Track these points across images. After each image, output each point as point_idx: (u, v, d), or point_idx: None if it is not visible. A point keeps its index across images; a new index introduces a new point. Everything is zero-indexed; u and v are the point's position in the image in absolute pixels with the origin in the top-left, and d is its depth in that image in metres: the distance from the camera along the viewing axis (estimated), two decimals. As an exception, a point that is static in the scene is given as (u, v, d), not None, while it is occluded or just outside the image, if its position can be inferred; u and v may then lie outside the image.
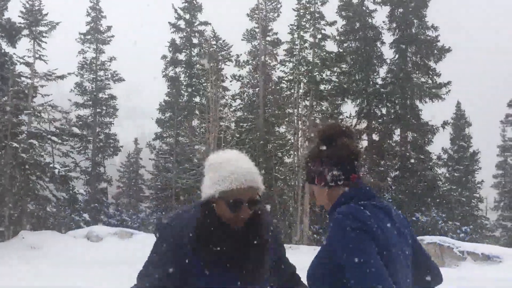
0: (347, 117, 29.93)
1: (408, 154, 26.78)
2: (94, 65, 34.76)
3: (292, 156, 29.76)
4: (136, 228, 28.55)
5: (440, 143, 32.45)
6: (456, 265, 17.58)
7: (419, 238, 15.04)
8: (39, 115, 25.50)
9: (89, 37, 34.49)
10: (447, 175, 33.62)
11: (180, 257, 1.66)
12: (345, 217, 1.41)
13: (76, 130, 27.58)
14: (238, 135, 29.83)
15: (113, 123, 35.86)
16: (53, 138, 24.13)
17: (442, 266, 17.60)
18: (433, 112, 29.00)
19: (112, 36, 35.20)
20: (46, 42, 28.32)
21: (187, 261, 1.65)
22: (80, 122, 32.97)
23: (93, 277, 9.21)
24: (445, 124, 28.89)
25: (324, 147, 1.62)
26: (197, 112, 31.62)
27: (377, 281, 1.29)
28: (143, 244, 17.03)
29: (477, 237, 31.33)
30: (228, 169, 1.67)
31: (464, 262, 17.55)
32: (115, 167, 40.83)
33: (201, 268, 1.65)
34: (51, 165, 22.39)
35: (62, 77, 28.17)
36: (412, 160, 26.75)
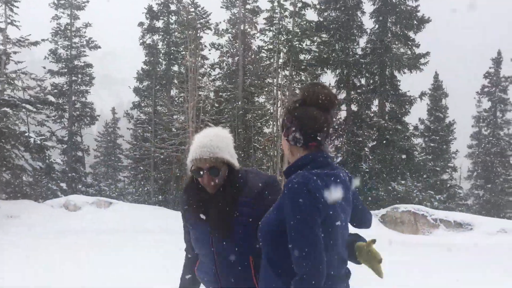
0: (326, 87, 29.94)
1: (385, 124, 27.05)
2: (68, 31, 33.66)
3: (271, 126, 29.79)
4: (115, 197, 28.43)
5: (417, 114, 32.86)
6: (429, 232, 18.12)
7: (394, 206, 15.40)
8: (12, 82, 24.81)
9: (63, 1, 33.28)
10: (423, 145, 34.24)
11: (182, 215, 2.19)
12: (299, 188, 1.56)
13: (51, 98, 26.94)
14: (217, 105, 29.64)
15: (90, 92, 35.10)
16: (28, 106, 23.50)
17: (416, 233, 18.17)
18: (411, 82, 29.25)
19: (87, 1, 34.06)
20: (18, 7, 27.26)
21: (184, 218, 2.17)
22: (55, 90, 32.22)
23: (72, 245, 9.18)
24: (422, 95, 29.19)
25: (298, 108, 1.75)
26: (175, 81, 31.20)
27: (309, 248, 1.51)
28: (121, 213, 17.03)
29: (450, 206, 32.24)
30: (195, 143, 2.03)
31: (437, 230, 18.09)
32: (92, 137, 40.37)
33: (188, 224, 2.13)
34: (26, 134, 21.92)
35: (35, 43, 27.33)
36: (390, 131, 27.07)
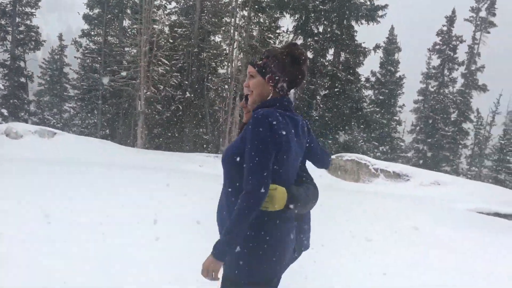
0: (283, 31, 29.67)
1: (339, 74, 27.36)
2: None
3: (226, 67, 29.43)
4: (59, 128, 27.60)
5: (370, 66, 33.41)
6: (369, 181, 18.95)
7: (339, 154, 15.91)
8: None
9: None
10: (372, 97, 35.14)
11: None
12: (262, 118, 1.84)
13: (-8, 18, 25.18)
14: (171, 41, 28.75)
15: (35, 15, 32.96)
16: (-35, 24, 21.92)
17: (358, 181, 18.97)
18: (367, 35, 29.47)
19: None
20: None
21: None
22: (-3, 10, 30.06)
23: (15, 173, 8.94)
24: (377, 47, 29.52)
25: (288, 59, 2.03)
26: (128, 11, 29.84)
27: (256, 167, 1.80)
28: (66, 144, 16.63)
29: (392, 157, 33.74)
30: None
31: (377, 179, 18.93)
32: (36, 63, 38.37)
33: None
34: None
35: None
36: (342, 81, 27.43)
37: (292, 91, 2.12)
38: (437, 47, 39.64)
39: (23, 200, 6.30)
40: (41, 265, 3.86)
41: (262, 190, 1.79)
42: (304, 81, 2.14)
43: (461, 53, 39.63)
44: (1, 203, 6.05)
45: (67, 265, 3.96)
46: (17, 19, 31.79)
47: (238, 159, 1.90)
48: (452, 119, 38.92)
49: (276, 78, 2.03)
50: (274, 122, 1.85)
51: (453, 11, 38.75)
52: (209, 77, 30.05)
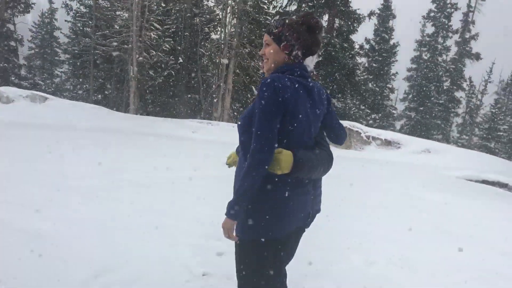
0: (278, -4, 29.20)
1: (332, 41, 27.14)
2: None
3: (219, 32, 29.03)
4: (51, 93, 27.33)
5: (364, 33, 33.14)
6: (361, 148, 19.13)
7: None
8: None
9: None
10: (366, 65, 35.00)
11: None
12: (269, 83, 1.93)
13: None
14: (163, 5, 28.19)
15: (24, -24, 32.08)
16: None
17: (349, 149, 19.13)
18: (361, 0, 29.09)
19: None
20: None
21: None
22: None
23: (9, 137, 8.95)
24: (371, 14, 29.28)
25: (304, 28, 2.09)
26: (119, -27, 29.07)
27: (261, 130, 1.90)
28: (57, 109, 16.54)
29: (384, 125, 33.91)
30: None
31: (368, 146, 19.11)
32: (26, 26, 37.59)
33: None
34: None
35: None
36: (336, 48, 27.24)
37: (309, 58, 2.17)
38: (432, 14, 39.28)
39: (25, 164, 6.35)
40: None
41: (266, 152, 1.89)
42: (320, 49, 2.18)
43: (456, 21, 39.36)
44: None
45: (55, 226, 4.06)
46: (5, -20, 30.95)
47: (248, 121, 2.02)
48: (445, 87, 38.97)
49: (291, 46, 2.09)
50: (280, 85, 1.93)
51: (449, -22, 38.24)
52: (202, 43, 29.68)
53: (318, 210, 2.28)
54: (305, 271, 3.71)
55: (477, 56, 38.89)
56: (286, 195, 2.01)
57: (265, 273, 2.10)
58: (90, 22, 30.20)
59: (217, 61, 27.73)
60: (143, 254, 3.65)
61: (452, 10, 38.56)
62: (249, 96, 28.66)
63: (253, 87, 27.25)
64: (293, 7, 28.34)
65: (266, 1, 27.63)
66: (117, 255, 3.56)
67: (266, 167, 1.91)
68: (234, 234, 2.03)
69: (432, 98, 37.83)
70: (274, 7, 28.49)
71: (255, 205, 1.98)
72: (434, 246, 5.02)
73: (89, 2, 31.11)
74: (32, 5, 32.96)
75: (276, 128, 1.93)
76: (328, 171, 2.17)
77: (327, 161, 2.13)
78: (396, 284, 3.72)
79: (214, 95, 27.86)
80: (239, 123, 2.10)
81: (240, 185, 1.92)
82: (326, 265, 3.95)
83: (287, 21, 2.12)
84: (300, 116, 2.00)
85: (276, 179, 1.98)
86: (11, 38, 31.90)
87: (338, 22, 28.68)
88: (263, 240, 2.01)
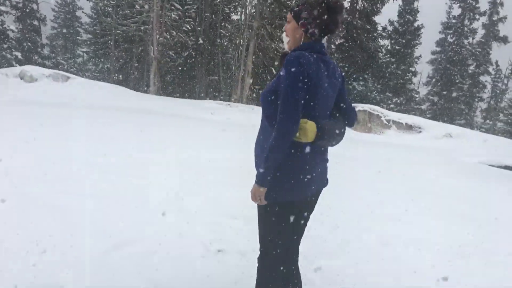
0: (300, -24, 28.74)
1: (355, 22, 26.73)
2: None
3: (239, 13, 28.85)
4: (73, 72, 27.66)
5: (387, 15, 32.52)
6: (381, 132, 18.93)
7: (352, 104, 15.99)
8: None
9: None
10: (388, 47, 34.36)
11: None
12: (293, 59, 2.05)
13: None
14: (185, -15, 28.09)
15: (47, -45, 32.32)
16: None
17: (369, 132, 18.96)
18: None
19: None
20: None
21: None
22: (8, -50, 29.43)
23: (35, 115, 9.12)
24: (396, -5, 28.65)
25: (325, 10, 2.17)
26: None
27: (288, 103, 2.02)
28: (79, 88, 16.75)
29: (406, 109, 33.42)
30: None
31: (389, 130, 18.90)
32: (49, 6, 37.94)
33: None
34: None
35: None
36: (358, 29, 26.84)
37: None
38: (459, -5, 38.29)
39: (54, 143, 6.48)
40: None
41: (293, 123, 2.03)
42: (338, 29, 2.27)
43: (484, 2, 38.27)
44: (24, 145, 6.24)
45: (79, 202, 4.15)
46: (28, -40, 31.18)
47: (272, 97, 2.14)
48: (470, 71, 38.14)
49: (308, 24, 2.20)
50: (304, 61, 2.05)
51: (478, -42, 37.09)
52: (222, 24, 29.55)
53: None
54: (320, 248, 3.73)
55: (505, 39, 37.86)
56: (308, 161, 2.19)
57: (287, 235, 2.28)
58: (112, 2, 30.28)
59: (237, 42, 27.62)
60: (161, 230, 3.73)
61: (480, -9, 37.51)
62: (268, 77, 28.52)
63: (272, 68, 27.08)
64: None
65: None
66: (135, 229, 3.65)
67: (292, 137, 2.05)
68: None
69: (456, 83, 37.06)
70: (296, -13, 28.10)
71: (280, 171, 2.15)
72: (452, 229, 4.98)
73: (110, -19, 31.16)
74: (55, -15, 33.25)
75: (301, 101, 2.06)
76: (342, 139, 2.33)
77: (343, 130, 2.30)
78: (411, 265, 3.72)
79: (233, 76, 27.81)
80: (262, 96, 2.22)
81: (269, 154, 2.08)
82: (341, 244, 3.97)
83: (309, 0, 2.23)
84: (322, 90, 2.14)
85: (299, 147, 2.15)
86: (34, 17, 32.25)
87: (361, 3, 28.19)
88: (286, 201, 2.19)
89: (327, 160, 2.37)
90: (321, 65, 2.14)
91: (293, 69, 2.03)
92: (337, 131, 2.24)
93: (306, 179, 2.19)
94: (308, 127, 2.10)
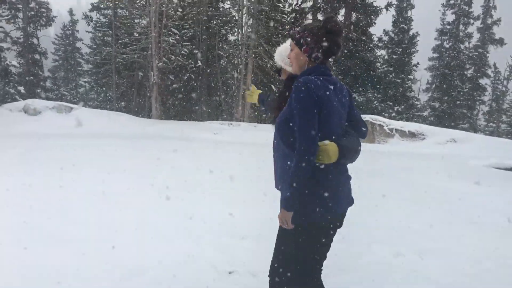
0: (293, -6, 29.15)
1: (350, 35, 26.96)
2: None
3: (236, 33, 29.16)
4: (76, 103, 27.93)
5: (382, 25, 32.75)
6: (385, 141, 18.93)
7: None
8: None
9: None
10: (385, 57, 34.53)
11: None
12: (301, 85, 2.14)
13: (2, -4, 25.19)
14: (181, 10, 28.44)
15: (44, -10, 32.84)
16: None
17: (372, 142, 18.96)
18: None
19: None
20: None
21: None
22: (6, -12, 29.97)
23: (38, 147, 9.24)
24: (389, 5, 28.94)
25: (325, 34, 2.27)
26: (136, -19, 29.47)
27: (304, 128, 2.11)
28: (83, 118, 16.92)
29: (408, 116, 33.41)
30: None
31: (392, 139, 18.90)
32: (49, 39, 38.47)
33: None
34: (-23, 35, 20.75)
35: None
36: (354, 41, 27.05)
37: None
38: (451, 1, 38.57)
39: (61, 175, 6.55)
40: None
41: (312, 148, 2.10)
42: (340, 51, 2.37)
43: (477, 7, 38.52)
44: (28, 178, 6.32)
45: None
46: (27, -4, 31.73)
47: (290, 124, 2.21)
48: (469, 75, 38.21)
49: (311, 49, 2.28)
50: (312, 86, 2.13)
51: (468, -37, 37.45)
52: (220, 45, 29.86)
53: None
54: (330, 262, 3.75)
55: (501, 42, 38.02)
56: (333, 181, 2.25)
57: (314, 256, 2.35)
58: (110, 32, 30.69)
59: (236, 62, 27.87)
60: (170, 255, 3.76)
61: (472, -4, 37.81)
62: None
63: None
64: (309, 3, 28.26)
65: (281, 0, 27.61)
66: (143, 258, 3.68)
67: (314, 158, 2.12)
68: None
69: (456, 87, 37.10)
70: (290, 4, 28.45)
71: (306, 192, 2.19)
72: (463, 236, 4.98)
73: (108, 12, 31.63)
74: (54, 18, 33.73)
75: (316, 124, 2.14)
76: (359, 155, 2.39)
77: (358, 145, 2.37)
78: (424, 275, 3.73)
79: (234, 96, 27.99)
80: (278, 125, 2.31)
81: (293, 179, 2.13)
82: (352, 258, 3.98)
83: (308, 26, 2.34)
84: (333, 109, 2.21)
85: (323, 169, 2.20)
86: (35, 51, 32.70)
87: (355, 15, 28.46)
88: (312, 223, 2.24)
89: (350, 178, 2.42)
90: (328, 86, 2.21)
91: (302, 95, 2.12)
92: (358, 148, 2.33)
93: (332, 199, 2.24)
94: (330, 147, 2.16)
